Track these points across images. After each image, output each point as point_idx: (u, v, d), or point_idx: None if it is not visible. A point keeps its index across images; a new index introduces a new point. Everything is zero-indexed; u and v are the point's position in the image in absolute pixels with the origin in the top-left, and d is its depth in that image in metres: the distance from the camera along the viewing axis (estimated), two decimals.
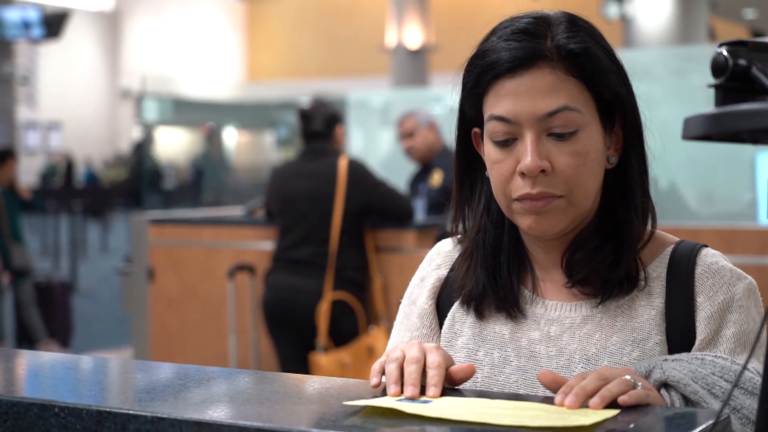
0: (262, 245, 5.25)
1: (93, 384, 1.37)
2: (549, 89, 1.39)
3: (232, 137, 23.05)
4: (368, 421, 1.13)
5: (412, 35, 17.48)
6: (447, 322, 1.54)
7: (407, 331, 1.58)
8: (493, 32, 1.45)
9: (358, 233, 4.81)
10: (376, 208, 4.81)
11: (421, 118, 5.75)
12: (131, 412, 1.15)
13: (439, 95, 11.88)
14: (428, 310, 1.57)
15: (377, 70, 21.51)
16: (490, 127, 1.43)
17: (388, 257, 4.87)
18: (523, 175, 1.40)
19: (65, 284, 8.99)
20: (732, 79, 1.00)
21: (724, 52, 1.01)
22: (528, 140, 1.39)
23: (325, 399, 1.24)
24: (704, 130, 0.97)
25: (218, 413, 1.15)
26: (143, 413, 1.14)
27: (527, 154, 1.39)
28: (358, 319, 4.73)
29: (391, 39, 17.65)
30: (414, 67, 17.38)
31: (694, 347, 1.41)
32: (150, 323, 5.63)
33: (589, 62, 1.40)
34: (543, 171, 1.39)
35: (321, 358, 4.61)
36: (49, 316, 8.43)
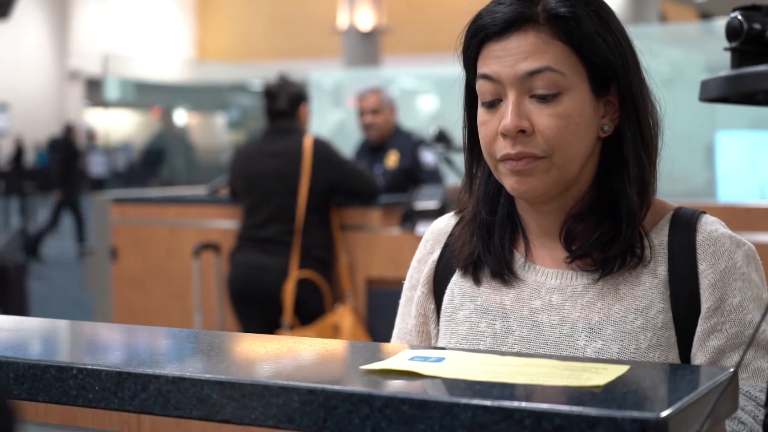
0: (226, 224, 5.24)
1: (108, 347, 1.37)
2: (532, 51, 1.41)
3: (182, 119, 22.87)
4: (386, 379, 1.15)
5: (364, 17, 17.43)
6: (446, 297, 1.57)
7: (410, 318, 1.63)
8: None
9: (323, 212, 4.82)
10: (342, 186, 4.82)
11: (385, 96, 5.68)
12: (151, 372, 1.16)
13: (392, 77, 11.89)
14: (422, 297, 1.61)
15: (329, 52, 21.42)
16: (478, 86, 1.46)
17: (353, 235, 4.88)
18: (504, 135, 1.42)
19: (19, 266, 8.88)
20: (747, 42, 1.03)
21: (739, 17, 1.04)
22: (509, 100, 1.42)
23: (340, 359, 1.26)
24: (722, 91, 1.00)
25: (239, 372, 1.16)
26: (164, 373, 1.15)
27: (507, 114, 1.42)
28: (324, 297, 4.74)
29: (342, 21, 17.59)
30: (366, 48, 17.34)
31: (701, 315, 1.44)
32: (113, 304, 5.60)
33: (577, 26, 1.42)
34: (523, 131, 1.41)
35: None
36: (4, 299, 8.32)
